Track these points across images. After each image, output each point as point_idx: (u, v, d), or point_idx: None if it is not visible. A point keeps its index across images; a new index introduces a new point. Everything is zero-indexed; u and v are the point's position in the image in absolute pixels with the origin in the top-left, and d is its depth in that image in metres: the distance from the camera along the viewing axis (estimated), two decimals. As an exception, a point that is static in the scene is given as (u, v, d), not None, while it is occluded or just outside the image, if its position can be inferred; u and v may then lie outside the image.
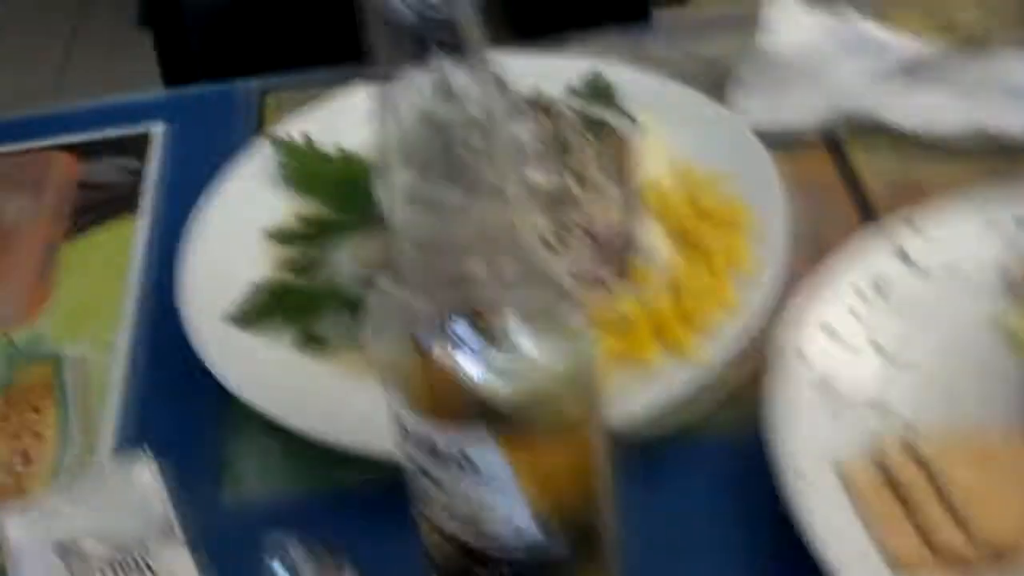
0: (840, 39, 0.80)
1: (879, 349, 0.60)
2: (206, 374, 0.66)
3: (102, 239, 0.80)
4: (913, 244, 0.64)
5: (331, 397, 0.64)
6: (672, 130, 0.75)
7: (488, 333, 0.43)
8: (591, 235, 0.67)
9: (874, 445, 0.56)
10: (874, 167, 0.76)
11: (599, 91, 0.80)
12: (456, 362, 0.42)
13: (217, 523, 0.61)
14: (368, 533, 0.59)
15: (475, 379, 0.42)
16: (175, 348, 0.71)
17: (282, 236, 0.74)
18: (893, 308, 0.62)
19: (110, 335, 0.73)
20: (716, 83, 0.82)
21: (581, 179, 0.69)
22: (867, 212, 0.73)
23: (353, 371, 0.66)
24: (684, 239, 0.68)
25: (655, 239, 0.67)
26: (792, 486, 0.54)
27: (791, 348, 0.59)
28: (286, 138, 0.78)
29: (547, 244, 0.66)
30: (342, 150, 0.79)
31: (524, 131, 0.69)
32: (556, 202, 0.67)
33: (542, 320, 0.44)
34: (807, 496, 0.53)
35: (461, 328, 0.43)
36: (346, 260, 0.71)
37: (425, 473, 0.46)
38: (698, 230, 0.68)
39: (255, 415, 0.65)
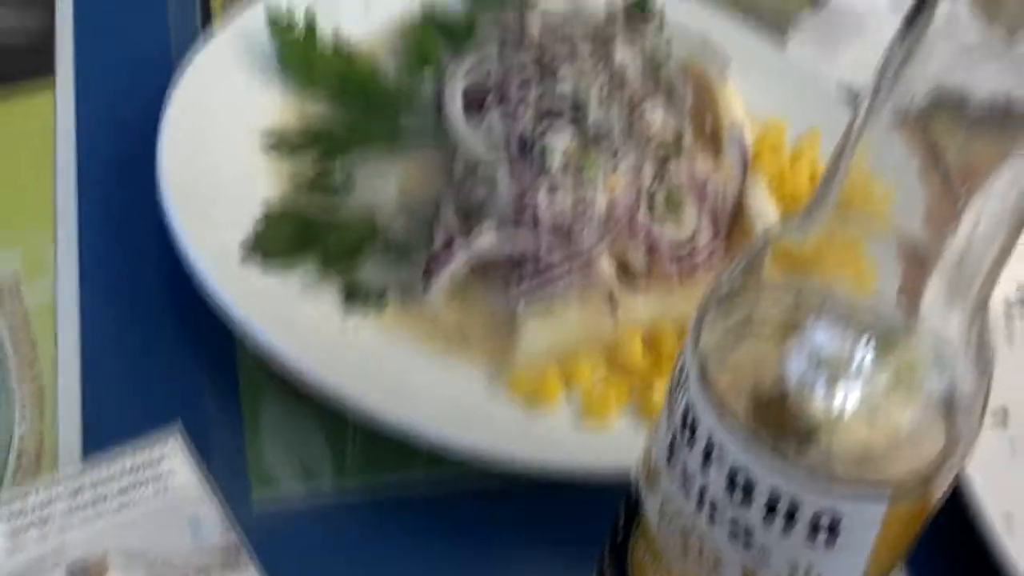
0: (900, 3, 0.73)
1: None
2: (200, 319, 0.51)
3: (8, 117, 0.60)
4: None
5: (386, 366, 0.51)
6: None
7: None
8: (699, 195, 0.57)
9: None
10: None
11: (642, 16, 0.68)
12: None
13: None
14: (426, 547, 0.47)
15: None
16: (146, 278, 0.54)
17: (283, 143, 0.58)
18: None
19: (44, 252, 0.54)
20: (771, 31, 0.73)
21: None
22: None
23: (410, 334, 0.52)
24: (789, 205, 0.59)
25: (765, 202, 0.58)
26: (1002, 534, 0.47)
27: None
28: (283, 17, 0.61)
29: (652, 202, 0.55)
30: (339, 37, 0.63)
31: (628, 55, 0.57)
32: (665, 151, 0.56)
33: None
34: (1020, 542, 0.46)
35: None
36: (381, 186, 0.57)
37: (716, 513, 0.35)
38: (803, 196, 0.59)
39: (282, 384, 0.51)
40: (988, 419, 0.51)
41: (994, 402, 0.51)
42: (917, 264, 0.31)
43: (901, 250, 0.31)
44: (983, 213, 0.30)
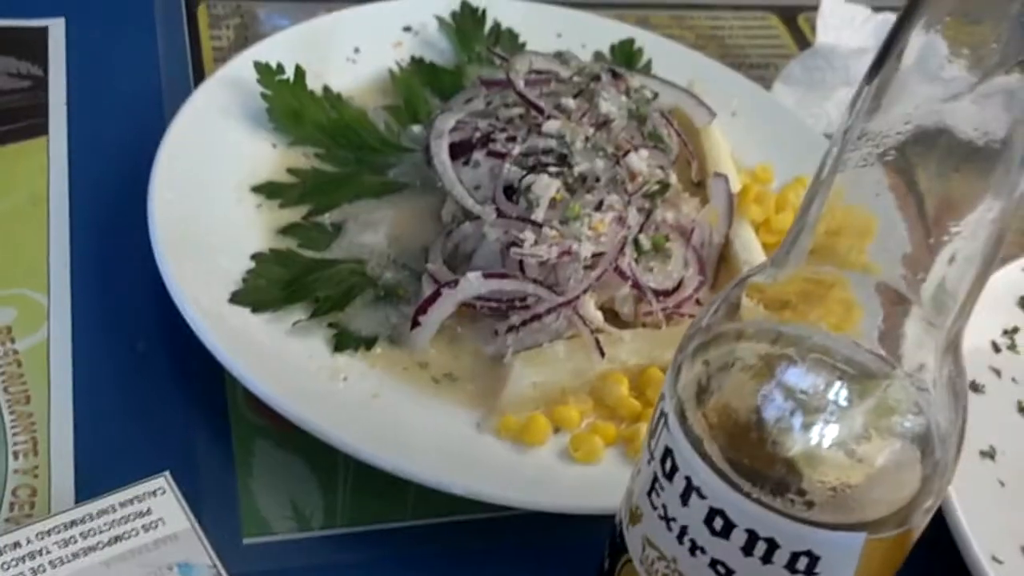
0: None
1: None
2: (191, 365, 0.52)
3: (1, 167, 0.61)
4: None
5: (375, 409, 0.51)
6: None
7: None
8: (686, 240, 0.57)
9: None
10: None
11: (629, 61, 0.69)
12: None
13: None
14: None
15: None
16: (137, 325, 0.55)
17: (274, 193, 0.59)
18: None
19: (37, 302, 0.55)
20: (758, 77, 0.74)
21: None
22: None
23: (399, 377, 0.52)
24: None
25: (751, 247, 0.58)
26: (989, 569, 0.47)
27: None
28: (272, 66, 0.62)
29: (639, 248, 0.55)
30: (328, 90, 0.64)
31: (613, 106, 0.58)
32: (651, 198, 0.57)
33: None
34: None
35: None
36: (371, 235, 0.57)
37: (696, 551, 0.35)
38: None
39: (273, 428, 0.51)
40: (975, 455, 0.52)
41: (982, 440, 0.52)
42: (891, 302, 0.32)
43: (876, 288, 0.32)
44: (957, 249, 0.30)
